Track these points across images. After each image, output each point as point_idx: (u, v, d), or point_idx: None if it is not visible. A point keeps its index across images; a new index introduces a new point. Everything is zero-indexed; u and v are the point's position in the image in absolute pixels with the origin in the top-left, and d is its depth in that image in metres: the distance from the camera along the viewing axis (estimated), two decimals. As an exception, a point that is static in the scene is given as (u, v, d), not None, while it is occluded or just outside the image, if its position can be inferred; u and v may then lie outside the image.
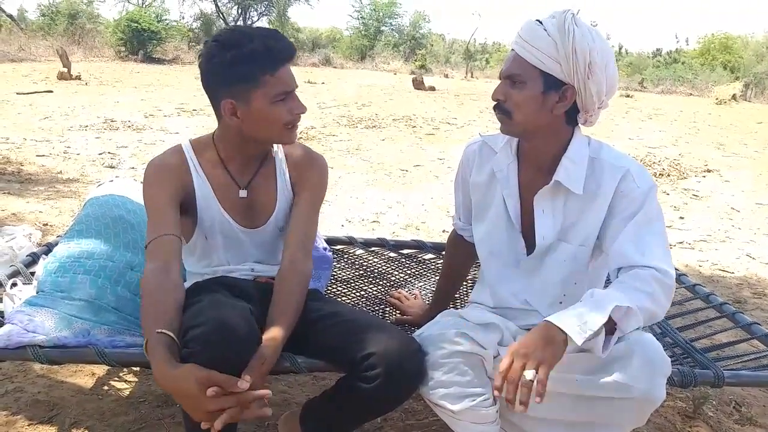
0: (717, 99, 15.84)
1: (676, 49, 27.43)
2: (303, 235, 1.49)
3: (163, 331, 1.18)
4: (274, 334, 1.28)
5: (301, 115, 1.43)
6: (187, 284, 1.59)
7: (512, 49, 1.37)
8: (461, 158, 1.59)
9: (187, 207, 1.48)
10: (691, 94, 18.92)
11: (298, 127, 1.46)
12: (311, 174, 1.56)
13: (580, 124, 1.40)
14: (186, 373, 1.10)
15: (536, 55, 1.30)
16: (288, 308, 1.36)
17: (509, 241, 1.48)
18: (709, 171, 6.49)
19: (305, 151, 1.59)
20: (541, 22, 1.33)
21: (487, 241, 1.53)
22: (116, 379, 1.98)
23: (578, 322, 1.16)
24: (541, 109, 1.34)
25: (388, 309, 2.04)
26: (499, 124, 1.40)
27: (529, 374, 1.12)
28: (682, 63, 24.64)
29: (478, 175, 1.54)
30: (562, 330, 1.15)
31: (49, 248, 1.98)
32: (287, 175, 1.55)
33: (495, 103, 1.39)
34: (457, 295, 2.11)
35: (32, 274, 1.85)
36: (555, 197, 1.40)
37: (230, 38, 1.36)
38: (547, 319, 1.19)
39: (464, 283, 2.20)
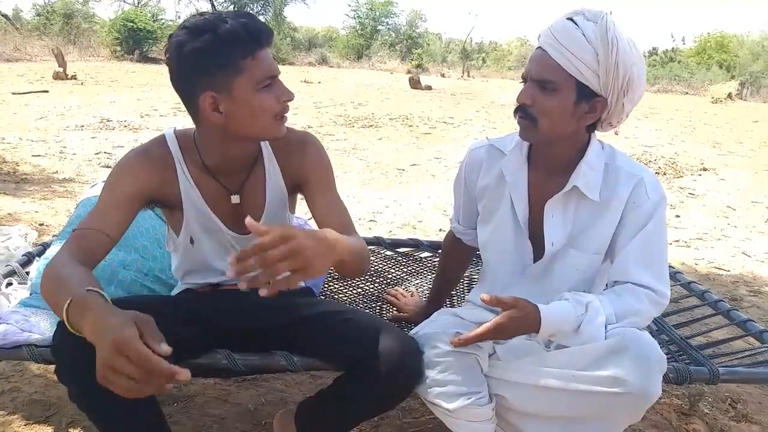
0: (713, 98, 15.89)
1: (672, 48, 27.51)
2: (337, 217, 1.38)
3: (95, 289, 1.02)
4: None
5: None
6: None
7: (539, 47, 1.28)
8: (465, 161, 1.55)
9: (170, 205, 1.40)
10: (687, 93, 18.96)
11: (287, 119, 1.32)
12: (306, 156, 1.43)
13: (596, 131, 1.37)
14: (120, 323, 0.92)
15: (575, 64, 1.23)
16: (350, 240, 1.23)
17: (516, 245, 1.45)
18: (704, 169, 6.51)
19: (289, 135, 1.42)
20: (576, 24, 1.25)
21: (493, 244, 1.50)
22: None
23: (553, 329, 1.25)
24: (570, 119, 1.29)
25: (385, 306, 2.04)
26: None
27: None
28: (678, 62, 24.71)
29: (484, 179, 1.49)
30: (539, 327, 1.24)
31: (44, 248, 1.98)
32: (278, 170, 1.43)
33: (517, 106, 1.31)
34: (453, 293, 2.12)
35: (27, 273, 1.85)
36: (567, 203, 1.37)
37: (201, 23, 1.21)
38: (542, 312, 1.24)
39: (461, 281, 2.21)
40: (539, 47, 1.29)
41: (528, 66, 1.31)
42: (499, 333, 1.24)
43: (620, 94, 1.27)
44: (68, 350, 1.12)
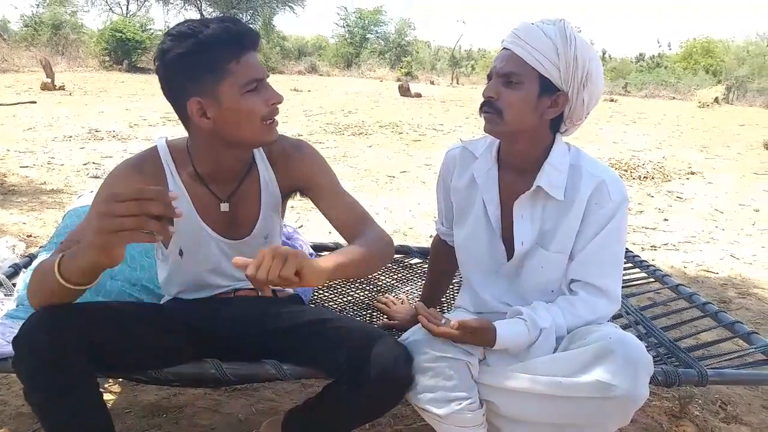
0: (700, 102, 16.03)
1: (659, 53, 27.71)
2: (349, 212, 1.39)
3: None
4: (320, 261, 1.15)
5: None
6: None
7: (505, 48, 1.35)
8: (442, 163, 1.59)
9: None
10: (674, 98, 19.13)
11: (277, 123, 1.33)
12: (303, 163, 1.44)
13: (560, 132, 1.42)
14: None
15: (537, 57, 1.30)
16: (349, 252, 1.24)
17: (489, 246, 1.48)
18: (692, 173, 6.56)
19: (284, 143, 1.44)
20: (537, 26, 1.33)
21: (468, 246, 1.53)
22: (101, 390, 1.96)
23: (504, 345, 1.32)
24: (533, 113, 1.34)
25: (375, 314, 2.04)
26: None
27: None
28: (665, 67, 24.91)
29: (458, 180, 1.53)
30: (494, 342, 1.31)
31: (31, 259, 1.97)
32: (273, 177, 1.44)
33: (483, 101, 1.37)
34: (443, 299, 2.12)
35: (14, 285, 1.84)
36: (534, 203, 1.40)
37: (184, 29, 1.22)
38: (498, 331, 1.31)
39: (450, 287, 2.21)
40: (504, 48, 1.36)
41: (493, 64, 1.38)
42: (458, 340, 1.31)
43: (580, 87, 1.33)
44: (29, 340, 1.13)
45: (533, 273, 1.43)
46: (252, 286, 1.51)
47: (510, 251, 1.45)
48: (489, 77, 1.39)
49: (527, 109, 1.33)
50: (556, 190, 1.37)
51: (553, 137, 1.41)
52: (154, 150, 1.39)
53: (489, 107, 1.36)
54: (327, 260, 1.18)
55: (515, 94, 1.32)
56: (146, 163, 1.36)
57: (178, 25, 1.26)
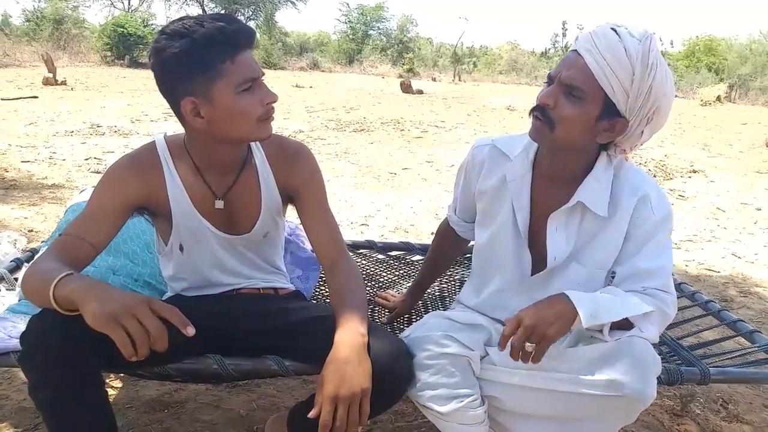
0: (702, 100, 16.01)
1: (662, 51, 27.65)
2: (328, 236, 1.43)
3: (73, 273, 1.11)
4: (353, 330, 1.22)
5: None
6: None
7: (575, 50, 1.23)
8: (468, 157, 1.51)
9: (159, 212, 1.40)
10: (676, 96, 19.07)
11: (273, 119, 1.32)
12: (300, 169, 1.44)
13: (607, 153, 1.33)
14: (132, 294, 1.11)
15: (608, 76, 1.18)
16: (356, 306, 1.30)
17: (515, 254, 1.42)
18: (694, 172, 6.56)
19: (284, 145, 1.45)
20: (620, 36, 1.19)
21: (491, 250, 1.47)
22: (102, 385, 1.96)
23: (592, 309, 1.18)
24: (586, 133, 1.24)
25: (377, 309, 2.04)
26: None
27: (529, 347, 1.17)
28: (668, 65, 24.87)
29: (486, 181, 1.45)
30: (575, 309, 1.17)
31: (33, 254, 1.97)
32: (271, 177, 1.44)
33: (536, 105, 1.26)
34: (446, 295, 2.12)
35: (16, 280, 1.83)
36: (571, 216, 1.34)
37: (179, 28, 1.20)
38: (567, 293, 1.21)
39: (453, 283, 2.21)
40: (575, 50, 1.24)
41: (558, 67, 1.26)
42: (529, 324, 1.17)
43: (643, 121, 1.23)
44: (40, 335, 1.12)
45: (565, 288, 1.32)
46: (254, 286, 1.52)
47: (536, 262, 1.40)
48: (549, 79, 1.27)
49: (582, 128, 1.23)
50: (599, 207, 1.31)
51: (598, 152, 1.33)
52: (152, 145, 1.39)
53: (542, 115, 1.25)
54: (357, 326, 1.23)
55: (574, 109, 1.22)
56: (144, 160, 1.37)
57: (173, 22, 1.25)
